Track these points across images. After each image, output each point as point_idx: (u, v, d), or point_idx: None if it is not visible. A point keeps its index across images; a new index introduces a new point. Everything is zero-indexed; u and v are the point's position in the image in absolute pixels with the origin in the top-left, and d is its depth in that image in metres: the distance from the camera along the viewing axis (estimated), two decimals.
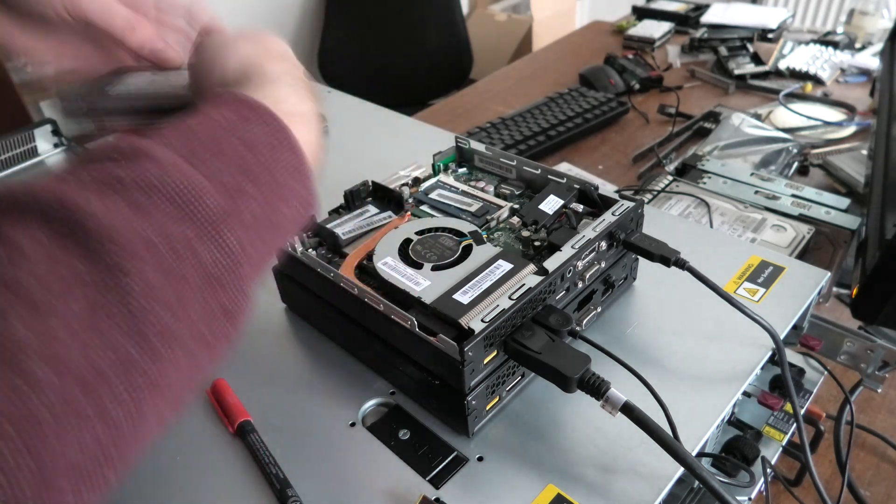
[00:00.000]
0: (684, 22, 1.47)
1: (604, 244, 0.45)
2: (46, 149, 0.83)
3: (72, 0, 0.40)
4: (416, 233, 0.46)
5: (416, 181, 0.55)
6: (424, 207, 0.51)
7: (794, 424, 0.48)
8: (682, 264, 0.45)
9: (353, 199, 0.52)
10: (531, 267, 0.42)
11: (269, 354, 0.50)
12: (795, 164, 0.95)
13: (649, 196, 0.81)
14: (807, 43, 1.32)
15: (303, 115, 0.34)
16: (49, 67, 0.43)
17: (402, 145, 0.77)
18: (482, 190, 0.53)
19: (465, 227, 0.46)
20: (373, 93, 1.03)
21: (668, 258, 0.46)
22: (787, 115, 1.08)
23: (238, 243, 0.27)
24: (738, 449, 0.47)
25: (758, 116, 1.07)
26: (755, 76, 1.21)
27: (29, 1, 0.40)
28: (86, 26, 0.41)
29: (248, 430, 0.42)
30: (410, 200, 0.52)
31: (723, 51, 1.27)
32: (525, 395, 0.44)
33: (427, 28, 2.00)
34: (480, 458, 0.40)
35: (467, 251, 0.44)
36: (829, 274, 0.52)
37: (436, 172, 0.56)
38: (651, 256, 0.46)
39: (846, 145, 0.99)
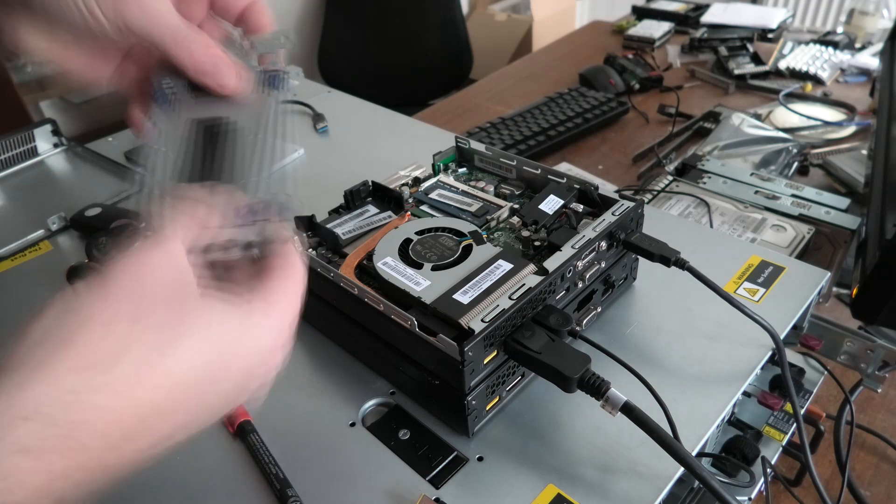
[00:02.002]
0: (684, 22, 1.47)
1: (604, 244, 0.45)
2: (46, 149, 0.83)
3: (113, 5, 0.32)
4: (416, 233, 0.46)
5: (416, 181, 0.55)
6: (424, 207, 0.51)
7: (794, 424, 0.48)
8: (682, 264, 0.45)
9: (353, 199, 0.52)
10: (531, 267, 0.42)
11: None
12: (795, 164, 0.95)
13: (649, 196, 0.80)
14: (807, 43, 1.32)
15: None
16: (73, 76, 0.35)
17: (402, 145, 0.77)
18: (482, 190, 0.53)
19: (465, 227, 0.46)
20: (373, 93, 1.04)
21: (668, 258, 0.46)
22: (787, 115, 1.08)
23: None
24: (738, 449, 0.47)
25: (758, 116, 1.07)
26: (755, 76, 1.21)
27: (60, 5, 0.32)
28: (126, 36, 0.33)
29: (248, 430, 0.42)
30: (410, 200, 0.52)
31: (723, 51, 1.27)
32: (525, 395, 0.44)
33: (427, 28, 2.00)
34: (480, 458, 0.40)
35: (467, 251, 0.44)
36: (829, 274, 0.52)
37: (436, 172, 0.56)
38: (651, 256, 0.46)
39: (846, 145, 0.99)
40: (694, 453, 0.38)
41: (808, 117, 1.07)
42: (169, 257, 0.26)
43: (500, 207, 0.50)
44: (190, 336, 0.25)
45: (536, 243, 0.46)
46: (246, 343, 0.27)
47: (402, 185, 0.53)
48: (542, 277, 0.41)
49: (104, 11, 0.32)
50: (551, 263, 0.42)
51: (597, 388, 0.37)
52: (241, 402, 0.28)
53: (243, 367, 0.27)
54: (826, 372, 0.54)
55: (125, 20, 0.32)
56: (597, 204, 0.49)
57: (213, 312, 0.26)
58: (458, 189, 0.53)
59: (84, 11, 0.31)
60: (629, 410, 0.36)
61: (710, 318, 0.48)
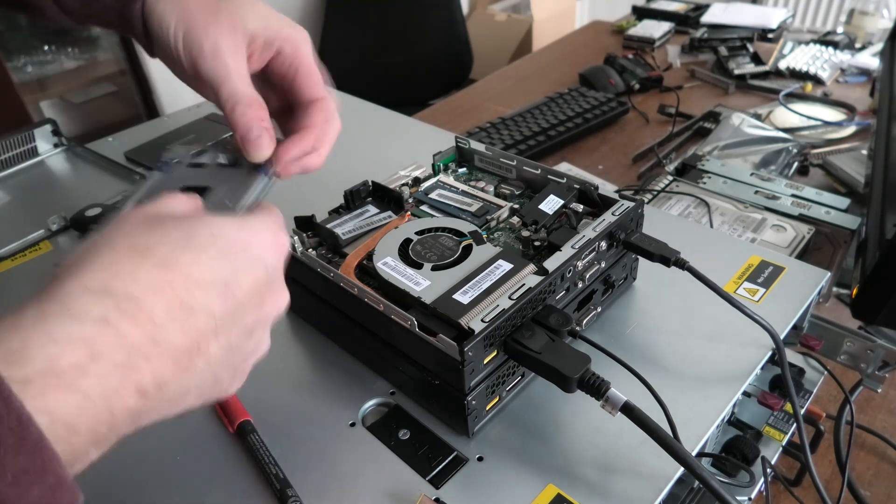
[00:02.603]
0: (684, 22, 1.47)
1: (604, 244, 0.45)
2: (46, 149, 0.83)
3: (191, 53, 0.37)
4: (416, 233, 0.46)
5: (416, 181, 0.55)
6: (424, 207, 0.51)
7: (794, 424, 0.48)
8: (682, 264, 0.45)
9: (353, 199, 0.52)
10: (531, 267, 0.42)
11: (269, 354, 0.50)
12: (795, 164, 0.95)
13: (649, 196, 0.80)
14: (807, 43, 1.32)
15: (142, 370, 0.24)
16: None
17: (402, 145, 0.77)
18: (482, 190, 0.53)
19: (465, 227, 0.46)
20: (373, 93, 1.03)
21: (668, 258, 0.46)
22: (787, 115, 1.08)
23: None
24: (738, 449, 0.47)
25: (758, 116, 1.07)
26: (755, 76, 1.21)
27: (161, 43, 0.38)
28: (198, 80, 0.39)
29: (248, 430, 0.42)
30: (410, 200, 0.52)
31: (723, 51, 1.27)
32: (525, 395, 0.44)
33: (427, 28, 2.00)
34: (480, 458, 0.40)
35: (467, 251, 0.44)
36: (829, 274, 0.52)
37: (436, 172, 0.56)
38: (651, 256, 0.46)
39: (846, 145, 0.99)
40: (694, 453, 0.38)
41: (808, 117, 1.07)
42: (163, 206, 0.30)
43: (500, 207, 0.50)
44: (199, 226, 0.28)
45: (536, 243, 0.46)
46: (251, 230, 0.29)
47: (402, 185, 0.53)
48: (542, 277, 0.41)
49: (186, 56, 0.38)
50: (551, 263, 0.42)
51: (597, 388, 0.37)
52: (273, 295, 0.31)
53: (259, 245, 0.29)
54: (826, 372, 0.54)
55: (197, 67, 0.38)
56: (597, 204, 0.49)
57: (212, 218, 0.29)
58: (458, 189, 0.53)
59: (173, 51, 0.38)
60: (629, 410, 0.36)
61: (710, 318, 0.48)
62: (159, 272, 0.25)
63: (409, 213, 0.50)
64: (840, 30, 1.44)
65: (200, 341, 0.26)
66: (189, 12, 0.38)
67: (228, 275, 0.27)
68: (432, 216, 0.50)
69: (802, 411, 0.51)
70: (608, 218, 0.45)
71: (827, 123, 1.05)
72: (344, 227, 0.49)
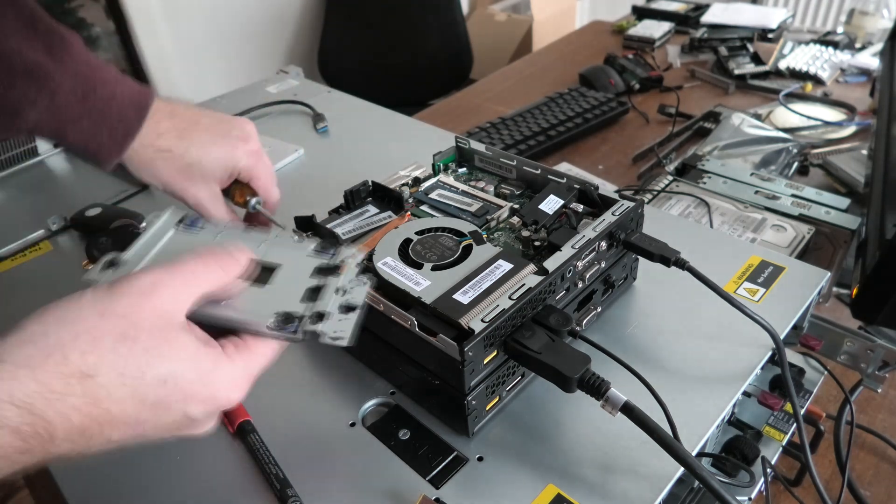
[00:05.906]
0: (684, 22, 1.47)
1: (604, 244, 0.45)
2: (46, 149, 0.83)
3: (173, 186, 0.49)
4: (416, 233, 0.46)
5: (416, 181, 0.55)
6: (424, 207, 0.51)
7: (794, 424, 0.48)
8: (682, 264, 0.45)
9: (353, 199, 0.52)
10: (531, 267, 0.42)
11: None
12: (795, 164, 0.95)
13: (649, 196, 0.80)
14: (807, 43, 1.32)
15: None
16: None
17: (402, 145, 0.77)
18: (482, 190, 0.53)
19: (465, 227, 0.46)
20: (373, 93, 1.04)
21: (668, 258, 0.46)
22: (787, 115, 1.08)
23: None
24: (738, 449, 0.47)
25: (758, 116, 1.07)
26: (755, 76, 1.21)
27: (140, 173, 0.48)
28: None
29: (248, 430, 0.42)
30: (410, 200, 0.52)
31: (723, 51, 1.27)
32: (525, 395, 0.44)
33: (427, 28, 2.00)
34: (480, 458, 0.40)
35: (467, 251, 0.44)
36: (829, 274, 0.52)
37: (436, 172, 0.56)
38: (651, 256, 0.46)
39: (846, 145, 0.99)
40: (694, 453, 0.38)
41: (808, 117, 1.07)
42: (171, 290, 0.30)
43: (500, 207, 0.50)
44: (163, 364, 0.29)
45: (536, 243, 0.46)
46: (209, 383, 0.30)
47: (402, 185, 0.53)
48: (542, 277, 0.41)
49: (165, 186, 0.49)
50: (551, 263, 0.42)
51: (597, 388, 0.37)
52: (190, 430, 0.32)
53: (199, 401, 0.30)
54: (826, 372, 0.54)
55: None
56: (597, 204, 0.49)
57: (189, 348, 0.30)
58: (458, 189, 0.53)
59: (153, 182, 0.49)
60: (629, 410, 0.36)
61: (710, 318, 0.48)
62: (83, 403, 0.27)
63: (409, 213, 0.50)
64: (840, 30, 1.44)
65: (91, 444, 0.28)
66: (168, 175, 0.48)
67: (150, 418, 0.29)
68: (432, 216, 0.50)
69: (802, 411, 0.51)
70: (608, 218, 0.45)
71: (827, 123, 1.05)
72: (344, 227, 0.49)
